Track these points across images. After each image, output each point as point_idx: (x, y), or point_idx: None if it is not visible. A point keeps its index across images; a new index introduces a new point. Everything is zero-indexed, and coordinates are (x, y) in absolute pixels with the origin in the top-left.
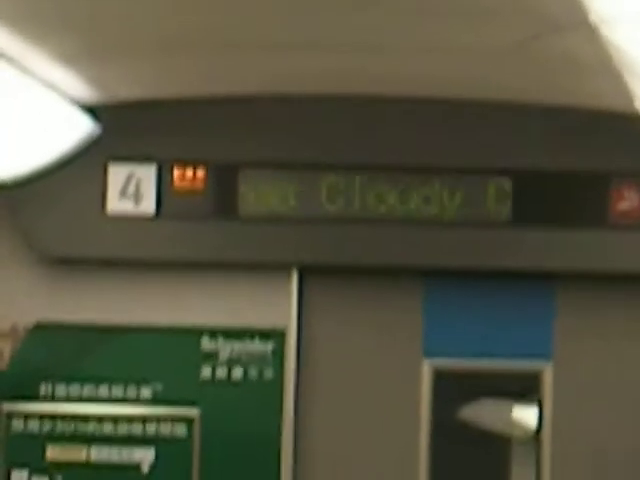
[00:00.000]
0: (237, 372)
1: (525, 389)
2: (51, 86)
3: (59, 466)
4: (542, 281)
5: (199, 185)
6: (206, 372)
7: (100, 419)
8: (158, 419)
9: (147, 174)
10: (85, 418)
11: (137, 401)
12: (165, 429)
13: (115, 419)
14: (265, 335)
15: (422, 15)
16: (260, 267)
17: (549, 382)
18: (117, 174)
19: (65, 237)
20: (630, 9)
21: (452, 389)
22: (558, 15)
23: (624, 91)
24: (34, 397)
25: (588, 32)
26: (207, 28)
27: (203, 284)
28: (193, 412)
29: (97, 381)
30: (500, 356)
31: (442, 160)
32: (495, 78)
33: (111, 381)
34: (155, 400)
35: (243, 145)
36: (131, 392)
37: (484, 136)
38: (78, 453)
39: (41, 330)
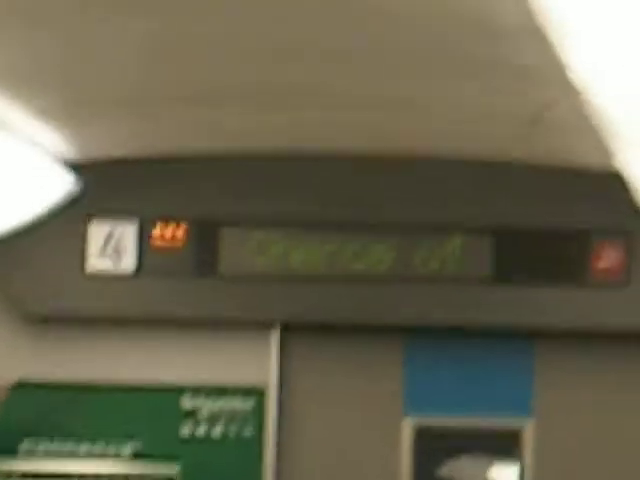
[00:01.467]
0: (217, 430)
1: (506, 446)
2: (31, 143)
3: None
4: (522, 338)
5: (179, 243)
6: (186, 430)
7: (81, 477)
8: (139, 477)
9: (128, 231)
10: (67, 476)
11: (118, 458)
12: None
13: (96, 477)
14: (246, 393)
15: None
16: (241, 325)
17: (530, 439)
18: (97, 232)
19: (45, 295)
20: (608, 68)
21: (432, 446)
22: (536, 71)
23: (603, 149)
24: (16, 455)
25: (566, 90)
26: (188, 84)
27: (184, 342)
28: (174, 470)
29: (78, 439)
30: (481, 413)
31: (422, 217)
32: (477, 137)
33: (92, 438)
34: (136, 457)
35: (223, 203)
36: (112, 449)
37: (465, 193)
38: None
39: (23, 388)
